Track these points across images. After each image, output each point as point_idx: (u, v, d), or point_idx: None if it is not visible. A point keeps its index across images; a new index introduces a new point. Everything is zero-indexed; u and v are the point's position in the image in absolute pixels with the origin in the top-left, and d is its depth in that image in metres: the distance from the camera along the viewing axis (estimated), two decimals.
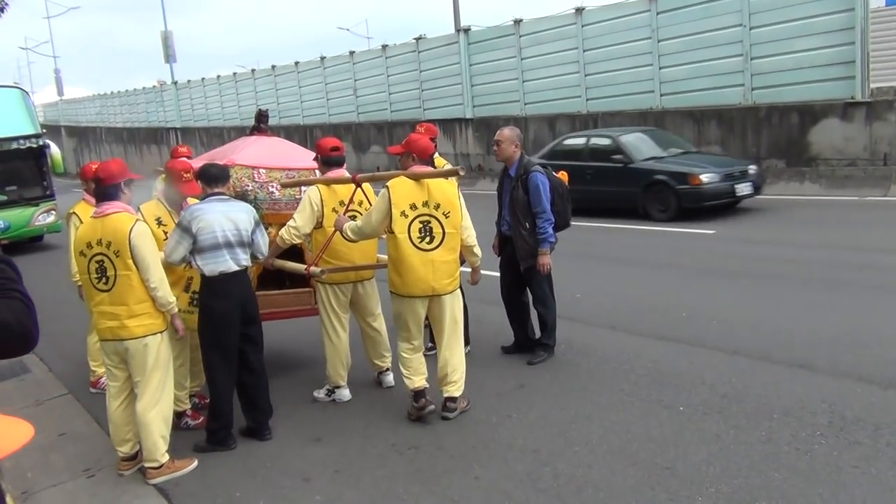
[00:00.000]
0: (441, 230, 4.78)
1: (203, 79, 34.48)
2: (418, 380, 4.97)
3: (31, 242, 16.39)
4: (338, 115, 26.35)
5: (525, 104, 19.29)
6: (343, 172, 5.38)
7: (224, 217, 4.70)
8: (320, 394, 5.61)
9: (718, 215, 12.01)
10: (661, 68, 16.13)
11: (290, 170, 5.70)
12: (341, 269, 5.29)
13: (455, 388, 4.99)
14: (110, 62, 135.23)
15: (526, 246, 5.74)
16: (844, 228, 10.17)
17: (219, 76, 33.24)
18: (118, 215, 4.36)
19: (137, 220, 4.41)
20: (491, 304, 6.41)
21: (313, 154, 5.59)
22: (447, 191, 4.83)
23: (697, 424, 4.53)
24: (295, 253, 5.61)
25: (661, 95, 16.20)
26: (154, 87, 38.99)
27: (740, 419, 4.55)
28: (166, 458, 4.57)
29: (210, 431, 4.88)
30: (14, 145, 15.76)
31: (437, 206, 4.77)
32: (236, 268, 4.74)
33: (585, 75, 17.69)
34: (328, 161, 5.38)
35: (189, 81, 35.90)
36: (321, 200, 5.20)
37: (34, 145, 16.01)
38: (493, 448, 4.51)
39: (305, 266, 5.23)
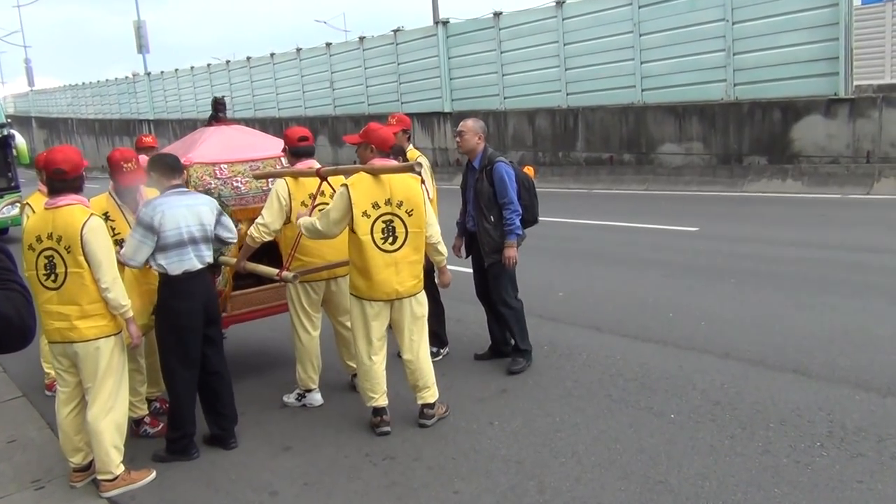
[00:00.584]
0: (404, 229, 4.48)
1: (177, 70, 33.84)
2: (379, 397, 4.65)
3: None
4: (314, 107, 25.93)
5: (504, 98, 19.01)
6: (313, 163, 5.04)
7: (188, 211, 4.38)
8: (290, 398, 5.29)
9: (700, 212, 11.85)
10: (642, 63, 15.91)
11: (254, 161, 5.35)
12: (315, 270, 4.97)
13: (430, 394, 4.70)
14: (83, 53, 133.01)
15: (490, 240, 5.45)
16: (828, 227, 9.99)
17: (192, 67, 32.62)
18: (71, 208, 4.01)
19: (92, 213, 4.05)
20: (471, 304, 6.12)
21: (276, 141, 5.25)
22: (410, 187, 4.51)
23: (690, 434, 4.27)
24: (272, 247, 5.25)
25: (643, 90, 15.98)
26: (127, 78, 38.25)
27: (735, 428, 4.30)
28: (121, 469, 4.24)
29: (170, 440, 4.56)
30: None
31: (400, 204, 4.46)
32: (200, 266, 4.45)
33: (566, 69, 17.43)
34: (296, 152, 5.05)
35: (162, 73, 35.23)
36: (289, 194, 4.88)
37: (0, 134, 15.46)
38: (475, 459, 4.23)
39: (277, 271, 4.86)
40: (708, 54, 14.74)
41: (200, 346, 4.50)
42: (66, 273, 3.99)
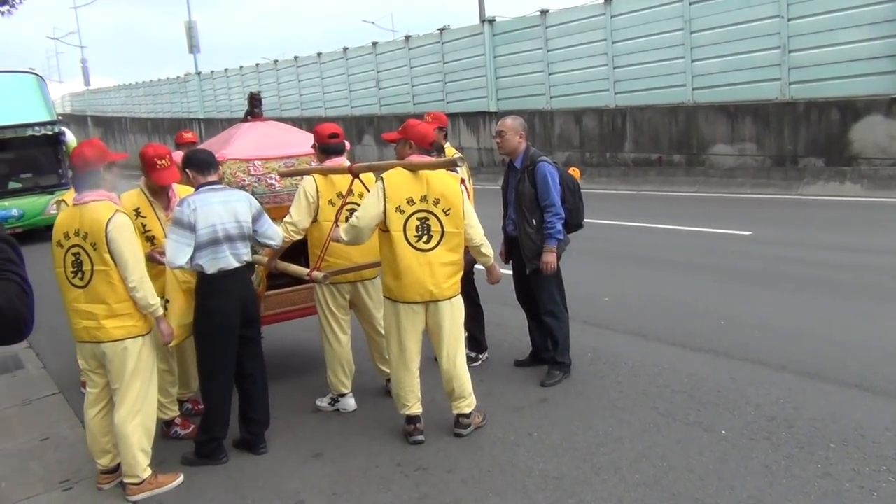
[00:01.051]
0: (440, 228, 4.27)
1: (226, 69, 34.21)
2: (413, 405, 4.48)
3: (47, 231, 16.10)
4: (360, 107, 25.92)
5: (551, 97, 18.70)
6: (343, 161, 4.86)
7: (223, 208, 4.23)
8: (323, 403, 5.14)
9: (753, 216, 11.43)
10: (693, 61, 15.46)
11: (288, 158, 5.21)
12: (342, 272, 4.80)
13: (465, 405, 4.48)
14: (137, 53, 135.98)
15: (532, 245, 5.18)
16: (890, 232, 9.52)
17: (241, 67, 32.94)
18: (97, 204, 3.90)
19: (117, 210, 3.93)
20: (513, 307, 5.89)
21: (312, 138, 5.10)
22: (448, 185, 4.30)
23: (743, 452, 4.00)
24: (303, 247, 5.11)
25: (694, 89, 15.53)
26: (178, 77, 38.83)
27: (792, 447, 4.01)
28: (148, 472, 4.13)
29: (199, 443, 4.44)
30: (29, 132, 15.46)
31: (437, 202, 4.26)
32: (237, 264, 4.29)
33: (614, 68, 17.06)
34: (326, 149, 4.87)
35: (212, 72, 35.67)
36: (317, 192, 4.72)
37: (49, 132, 15.69)
38: (511, 473, 4.01)
39: (308, 271, 4.71)
40: (762, 52, 14.23)
41: (236, 347, 4.36)
42: (92, 271, 3.88)
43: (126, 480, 4.13)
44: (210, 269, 4.20)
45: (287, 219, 4.66)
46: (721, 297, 7.03)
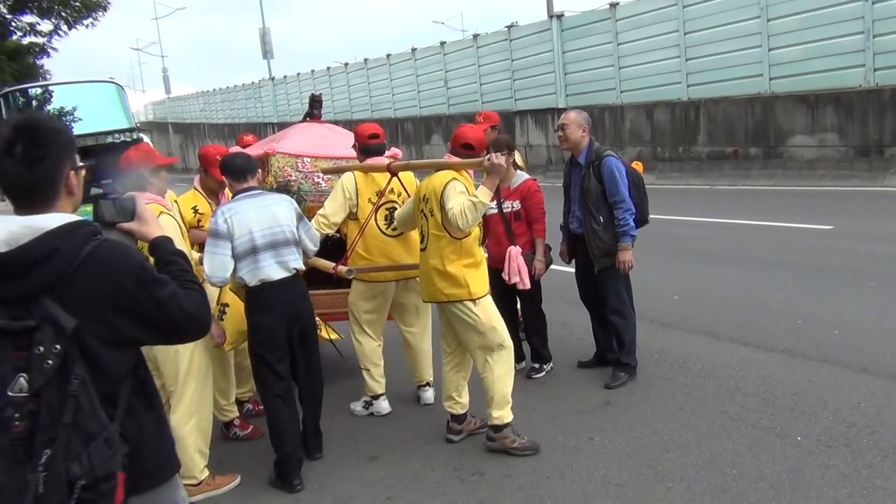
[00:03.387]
0: (427, 230, 4.19)
1: (298, 74, 34.80)
2: (450, 404, 4.45)
3: None
4: (428, 107, 25.95)
5: (621, 92, 18.30)
6: (383, 160, 4.81)
7: (260, 214, 4.03)
8: (357, 406, 5.07)
9: (834, 209, 10.89)
10: (770, 50, 14.86)
11: (338, 159, 5.17)
12: (374, 269, 4.73)
13: (489, 415, 4.27)
14: (214, 60, 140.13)
15: (600, 243, 4.99)
16: None
17: (313, 71, 33.45)
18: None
19: (163, 211, 3.93)
20: (576, 306, 5.71)
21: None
22: (434, 185, 4.15)
23: (820, 461, 3.74)
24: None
25: (771, 79, 14.93)
26: (253, 83, 39.72)
27: (874, 456, 3.73)
28: (205, 474, 4.13)
29: (275, 463, 4.21)
30: (109, 139, 15.98)
31: (427, 201, 4.18)
32: (284, 273, 4.05)
33: (687, 60, 16.56)
34: (366, 149, 4.85)
35: (285, 77, 36.32)
36: (356, 189, 4.68)
37: (128, 139, 16.17)
38: (570, 479, 3.86)
39: (333, 265, 4.66)
40: (844, 38, 13.56)
41: (288, 359, 4.17)
42: None
43: (183, 482, 4.14)
44: (251, 280, 3.99)
45: (321, 211, 4.64)
46: (798, 294, 6.69)
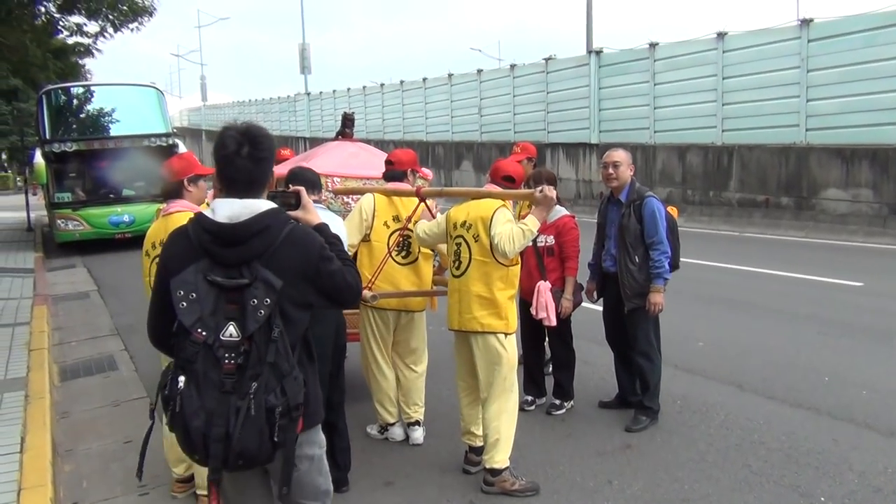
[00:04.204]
0: (469, 255, 4.15)
1: (334, 91, 35.17)
2: (466, 436, 4.45)
3: None
4: (461, 133, 26.10)
5: (655, 132, 18.31)
6: (406, 186, 4.80)
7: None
8: (373, 430, 5.04)
9: (866, 266, 10.77)
10: (808, 101, 14.83)
11: (368, 178, 5.18)
12: (397, 295, 4.71)
13: (490, 458, 4.17)
14: (251, 71, 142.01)
15: (634, 283, 4.96)
16: None
17: (349, 89, 33.81)
18: (178, 215, 3.90)
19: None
20: (600, 345, 5.69)
21: None
22: (482, 209, 4.16)
23: None
24: None
25: (807, 130, 14.88)
26: (288, 96, 40.18)
27: None
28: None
29: None
30: (145, 142, 16.26)
31: (469, 227, 4.16)
32: None
33: (723, 104, 16.56)
34: (385, 175, 4.91)
35: (321, 93, 36.73)
36: (373, 210, 4.68)
37: (164, 144, 16.44)
38: None
39: None
40: (883, 94, 13.52)
41: (328, 370, 4.12)
42: None
43: (198, 492, 4.15)
44: None
45: None
46: (826, 350, 6.60)
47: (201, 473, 4.06)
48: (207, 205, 4.64)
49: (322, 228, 2.64)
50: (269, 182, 2.49)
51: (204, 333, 2.23)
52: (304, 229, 2.49)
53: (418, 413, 4.95)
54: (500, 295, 4.07)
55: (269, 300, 2.25)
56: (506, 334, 4.10)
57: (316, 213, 2.72)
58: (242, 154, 2.40)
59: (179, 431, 2.25)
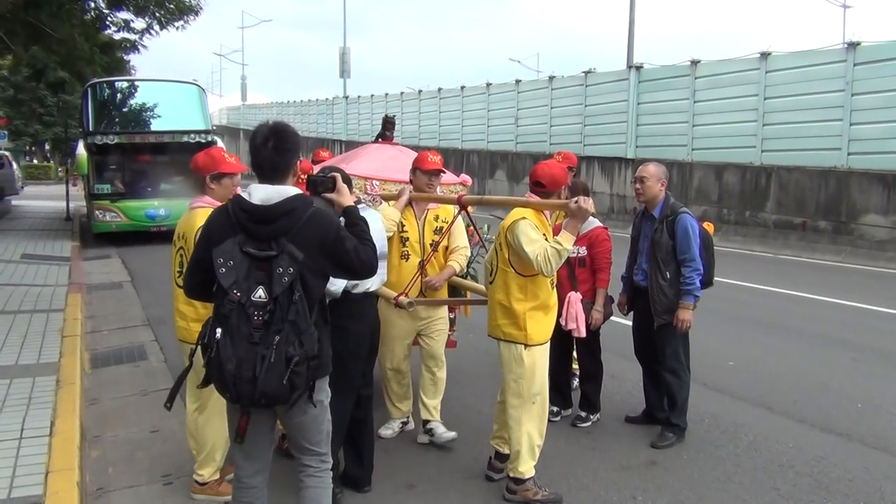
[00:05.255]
0: (496, 263, 4.17)
1: (372, 95, 35.41)
2: (496, 442, 4.43)
3: None
4: (496, 142, 26.09)
5: (692, 150, 18.14)
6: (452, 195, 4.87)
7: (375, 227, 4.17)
8: (387, 432, 5.06)
9: None
10: (851, 125, 14.59)
11: (407, 183, 5.19)
12: (433, 303, 4.76)
13: (514, 467, 4.14)
14: (291, 73, 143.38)
15: (664, 299, 4.91)
16: None
17: (387, 94, 34.00)
18: (199, 210, 3.95)
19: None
20: (629, 360, 5.64)
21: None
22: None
23: None
24: None
25: (849, 154, 14.63)
26: (326, 99, 40.51)
27: None
28: (214, 476, 4.20)
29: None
30: (185, 139, 16.48)
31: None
32: (378, 286, 4.22)
33: (763, 125, 16.35)
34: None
35: (359, 97, 36.98)
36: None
37: (203, 140, 16.63)
38: None
39: (395, 295, 4.64)
40: None
41: (362, 367, 4.18)
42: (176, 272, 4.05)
43: (194, 475, 4.23)
44: (359, 288, 4.04)
45: None
46: (860, 377, 6.48)
47: (200, 460, 4.19)
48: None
49: (350, 210, 3.12)
50: (294, 171, 2.95)
51: (238, 294, 2.69)
52: (325, 212, 2.94)
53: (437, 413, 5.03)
54: (518, 306, 4.03)
55: (292, 269, 2.71)
56: (526, 346, 4.04)
57: (349, 196, 3.21)
58: (269, 146, 2.87)
59: (215, 372, 2.71)
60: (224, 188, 4.05)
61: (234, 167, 4.13)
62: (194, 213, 3.98)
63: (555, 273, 3.99)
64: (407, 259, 4.83)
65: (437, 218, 4.91)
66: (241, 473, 3.07)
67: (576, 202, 3.87)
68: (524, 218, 4.02)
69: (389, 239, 4.68)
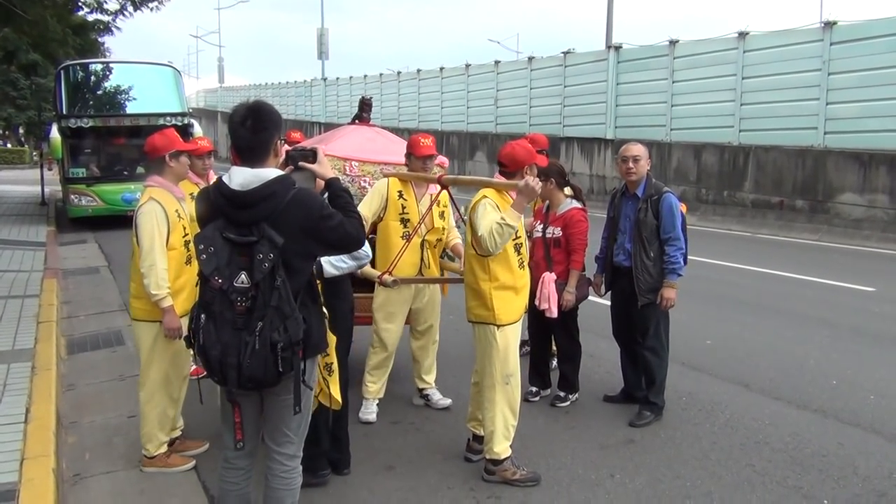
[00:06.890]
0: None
1: (350, 77, 35.15)
2: (471, 424, 4.45)
3: None
4: (476, 123, 26.05)
5: (671, 129, 18.20)
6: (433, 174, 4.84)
7: None
8: (369, 416, 5.05)
9: (879, 271, 10.68)
10: (828, 104, 14.70)
11: (385, 164, 5.18)
12: (417, 281, 4.79)
13: (492, 450, 4.13)
14: (269, 55, 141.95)
15: (649, 278, 4.93)
16: None
17: (366, 76, 33.77)
18: (147, 189, 4.15)
19: (151, 198, 4.10)
20: (607, 339, 5.67)
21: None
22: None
23: None
24: None
25: (826, 133, 14.76)
26: (304, 81, 40.16)
27: None
28: (162, 450, 4.32)
29: (307, 458, 4.25)
30: (161, 121, 16.26)
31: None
32: (354, 266, 4.20)
33: (741, 104, 16.44)
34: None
35: (338, 79, 36.70)
36: (387, 193, 4.83)
37: (179, 123, 16.43)
38: None
39: (379, 274, 4.67)
40: None
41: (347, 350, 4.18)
42: (132, 251, 4.18)
43: (143, 451, 4.32)
44: (344, 269, 4.05)
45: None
46: (835, 354, 6.55)
47: (144, 435, 4.31)
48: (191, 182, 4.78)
49: (332, 182, 3.04)
50: (273, 150, 2.85)
51: (220, 280, 2.65)
52: (307, 193, 2.84)
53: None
54: (484, 285, 4.03)
55: (272, 255, 2.65)
56: (497, 326, 4.03)
57: (329, 168, 3.12)
58: (246, 125, 2.78)
59: (202, 358, 2.73)
60: (182, 165, 4.23)
61: (189, 144, 4.26)
62: (145, 191, 4.15)
63: (501, 249, 3.91)
64: (409, 240, 4.82)
65: (438, 203, 4.94)
66: (230, 454, 3.07)
67: (524, 182, 3.85)
68: (485, 197, 4.02)
69: (389, 220, 4.82)
